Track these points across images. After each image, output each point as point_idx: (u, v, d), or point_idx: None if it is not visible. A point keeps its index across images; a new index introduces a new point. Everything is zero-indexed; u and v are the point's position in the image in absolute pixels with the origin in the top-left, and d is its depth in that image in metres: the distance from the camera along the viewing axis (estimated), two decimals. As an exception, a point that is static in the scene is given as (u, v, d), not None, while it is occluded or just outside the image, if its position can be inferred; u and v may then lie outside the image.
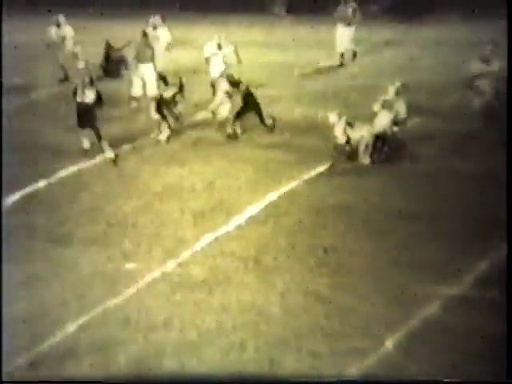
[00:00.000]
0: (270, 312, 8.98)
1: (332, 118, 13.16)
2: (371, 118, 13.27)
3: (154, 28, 16.74)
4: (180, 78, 14.78)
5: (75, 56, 17.15)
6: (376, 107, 13.32)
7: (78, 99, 13.45)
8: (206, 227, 10.89)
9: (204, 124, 14.67)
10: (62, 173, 12.74)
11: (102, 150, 13.48)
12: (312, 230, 10.84)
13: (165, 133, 14.25)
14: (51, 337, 8.42)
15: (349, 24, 18.20)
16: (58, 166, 12.92)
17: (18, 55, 18.46)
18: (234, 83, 14.41)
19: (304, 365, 8.14)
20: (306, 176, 12.62)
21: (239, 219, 11.16)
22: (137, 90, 15.79)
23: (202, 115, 15.09)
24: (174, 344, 8.40)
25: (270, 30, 21.93)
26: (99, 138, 13.45)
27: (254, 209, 11.48)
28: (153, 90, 15.47)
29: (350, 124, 13.11)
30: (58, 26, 17.50)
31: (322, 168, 12.88)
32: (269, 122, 14.34)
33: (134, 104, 15.57)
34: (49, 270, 9.78)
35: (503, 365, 7.88)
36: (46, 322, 8.69)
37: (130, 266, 9.94)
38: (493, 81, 14.07)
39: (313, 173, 12.73)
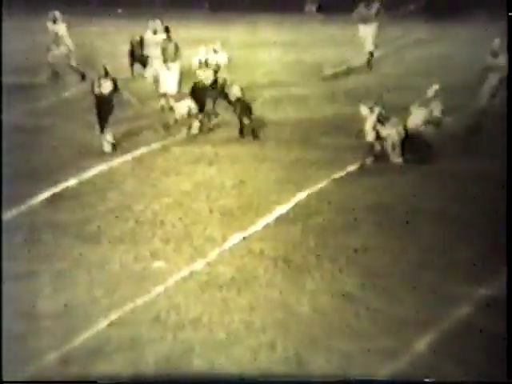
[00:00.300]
0: (299, 312, 8.91)
1: (364, 110, 12.90)
2: (405, 117, 13.11)
3: (155, 33, 16.59)
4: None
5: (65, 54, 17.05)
6: (412, 107, 13.08)
7: (96, 91, 13.59)
8: (234, 226, 10.84)
9: (233, 123, 14.63)
10: (92, 171, 12.77)
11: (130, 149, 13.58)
12: (342, 230, 10.75)
13: (196, 125, 14.30)
14: (81, 335, 8.41)
15: (370, 24, 17.88)
16: (88, 164, 12.95)
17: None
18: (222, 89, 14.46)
19: (334, 365, 8.05)
20: (335, 175, 12.52)
21: (268, 218, 11.10)
22: (164, 87, 15.76)
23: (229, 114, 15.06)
24: (203, 343, 8.35)
25: (299, 29, 21.87)
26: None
27: (282, 208, 11.40)
28: (176, 86, 15.49)
29: (380, 120, 12.87)
30: (54, 21, 17.37)
31: (352, 167, 12.79)
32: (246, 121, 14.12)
33: (162, 102, 15.57)
34: (77, 268, 9.79)
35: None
36: (75, 319, 8.70)
37: (158, 264, 9.92)
38: (501, 76, 13.82)
39: (343, 172, 12.63)
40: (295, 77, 17.67)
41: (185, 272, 9.71)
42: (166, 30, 15.99)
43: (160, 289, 9.31)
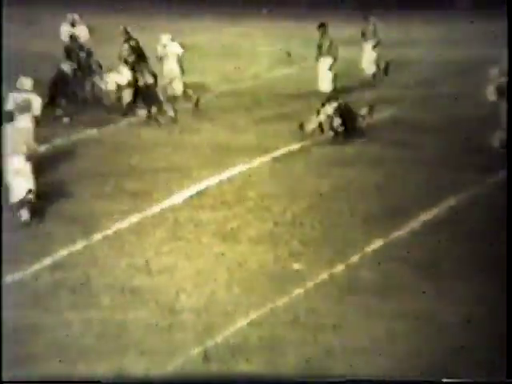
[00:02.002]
0: (447, 322, 8.43)
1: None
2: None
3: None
4: None
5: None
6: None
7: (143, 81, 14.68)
8: (376, 231, 10.48)
9: (374, 127, 14.27)
10: (232, 171, 12.75)
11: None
12: (493, 238, 10.14)
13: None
14: (221, 332, 8.30)
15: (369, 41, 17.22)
16: (228, 163, 12.95)
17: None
18: None
19: (480, 374, 7.53)
20: (490, 179, 11.90)
21: (413, 224, 10.66)
22: (323, 85, 15.53)
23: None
24: (344, 347, 8.04)
25: (449, 27, 21.27)
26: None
27: (429, 213, 10.92)
28: (329, 85, 15.23)
29: None
30: (73, 24, 16.22)
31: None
32: None
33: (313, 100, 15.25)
34: (217, 266, 9.72)
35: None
36: (215, 316, 8.60)
37: (297, 266, 9.70)
38: None
39: (497, 176, 11.94)
40: (444, 75, 17.08)
41: (324, 275, 9.43)
42: (322, 25, 15.92)
43: (299, 290, 9.09)
